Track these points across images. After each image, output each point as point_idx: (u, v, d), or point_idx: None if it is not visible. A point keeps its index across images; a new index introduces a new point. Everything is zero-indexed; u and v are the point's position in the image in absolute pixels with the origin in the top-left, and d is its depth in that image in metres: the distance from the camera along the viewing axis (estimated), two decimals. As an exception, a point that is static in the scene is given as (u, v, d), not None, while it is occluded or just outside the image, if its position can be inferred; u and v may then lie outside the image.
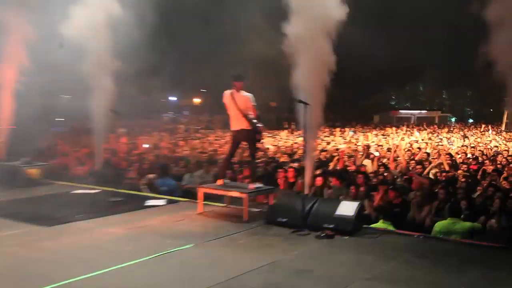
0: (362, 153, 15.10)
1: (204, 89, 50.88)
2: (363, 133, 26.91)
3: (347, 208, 7.44)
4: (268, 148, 17.79)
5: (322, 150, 15.73)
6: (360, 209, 7.56)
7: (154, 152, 15.56)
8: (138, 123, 27.00)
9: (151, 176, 11.39)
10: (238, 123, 8.33)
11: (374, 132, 28.77)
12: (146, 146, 16.77)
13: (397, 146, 15.60)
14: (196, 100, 56.09)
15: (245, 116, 8.21)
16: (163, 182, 11.05)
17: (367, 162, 13.74)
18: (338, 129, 27.25)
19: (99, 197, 9.94)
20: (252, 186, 8.45)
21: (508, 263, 6.13)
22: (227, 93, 8.35)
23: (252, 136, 8.39)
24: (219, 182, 8.63)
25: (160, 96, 43.10)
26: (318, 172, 10.67)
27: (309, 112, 7.82)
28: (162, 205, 9.26)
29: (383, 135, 26.01)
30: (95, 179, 11.11)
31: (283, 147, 18.48)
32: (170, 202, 9.55)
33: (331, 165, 13.07)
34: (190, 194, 10.07)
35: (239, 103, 8.23)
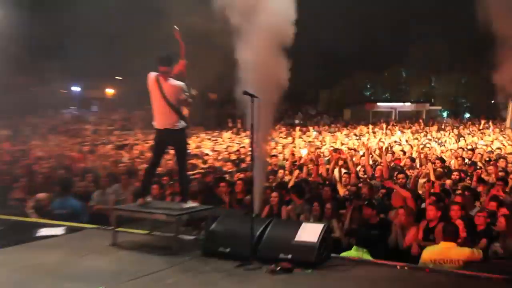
0: (329, 159, 15.26)
1: (120, 77, 50.14)
2: (330, 133, 27.22)
3: (310, 232, 7.45)
4: (206, 154, 17.72)
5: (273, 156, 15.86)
6: (326, 233, 7.57)
7: (50, 162, 15.21)
8: (27, 122, 26.43)
9: (42, 195, 11.12)
10: (164, 120, 8.28)
11: (345, 131, 29.12)
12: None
13: (368, 148, 15.88)
14: (109, 91, 55.17)
15: (175, 110, 8.17)
16: (62, 204, 10.88)
17: (336, 171, 13.94)
18: (297, 128, 27.45)
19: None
20: (184, 205, 8.34)
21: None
22: (152, 76, 8.30)
23: (182, 138, 8.40)
24: (140, 201, 8.53)
25: (59, 86, 42.18)
26: (272, 185, 10.67)
27: (259, 106, 7.76)
28: (61, 235, 9.08)
29: (356, 135, 26.35)
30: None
31: (226, 152, 18.45)
32: (72, 230, 9.38)
33: (290, 178, 13.09)
34: (101, 219, 9.98)
35: (167, 93, 8.18)
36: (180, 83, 8.26)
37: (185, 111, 8.32)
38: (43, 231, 9.12)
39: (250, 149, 7.56)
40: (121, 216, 8.51)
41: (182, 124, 8.28)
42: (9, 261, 7.57)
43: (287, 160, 15.99)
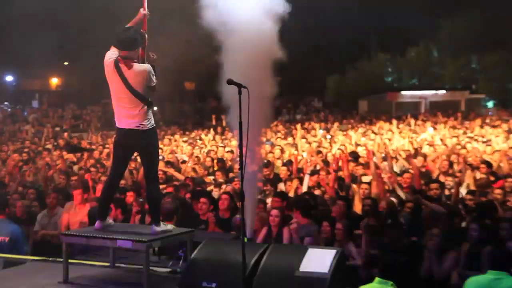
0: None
1: (68, 62, 49.69)
2: (342, 132, 27.24)
3: (318, 260, 7.48)
4: (183, 162, 17.75)
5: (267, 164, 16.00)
6: (340, 261, 7.61)
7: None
8: None
9: None
10: (127, 117, 8.34)
11: (361, 128, 29.06)
12: None
13: (390, 151, 16.00)
14: (54, 81, 54.78)
15: (143, 104, 8.24)
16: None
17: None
18: (298, 125, 27.51)
19: None
20: (156, 229, 8.39)
21: None
22: (110, 57, 8.34)
23: (152, 141, 8.45)
24: (98, 224, 8.57)
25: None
26: (269, 199, 10.71)
27: (249, 99, 7.80)
28: None
29: (375, 133, 26.25)
30: None
31: (207, 158, 18.45)
32: (9, 263, 9.40)
33: (289, 188, 13.14)
34: (48, 248, 10.20)
35: (132, 82, 8.21)
36: (146, 66, 8.30)
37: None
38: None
39: (238, 154, 7.56)
40: (74, 244, 8.60)
41: (151, 123, 8.35)
42: None
43: (288, 167, 16.04)
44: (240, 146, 7.51)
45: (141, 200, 11.68)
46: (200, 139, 25.90)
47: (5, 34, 34.04)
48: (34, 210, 12.13)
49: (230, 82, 7.68)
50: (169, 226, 8.69)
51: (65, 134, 26.19)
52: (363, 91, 56.14)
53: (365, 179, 13.91)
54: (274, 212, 10.52)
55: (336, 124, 32.00)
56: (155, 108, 36.17)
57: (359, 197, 12.49)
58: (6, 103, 41.38)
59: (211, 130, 28.50)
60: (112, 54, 8.31)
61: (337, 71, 58.54)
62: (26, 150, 21.57)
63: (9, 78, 51.80)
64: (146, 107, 8.28)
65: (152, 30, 8.72)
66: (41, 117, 34.17)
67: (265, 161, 16.22)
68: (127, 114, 8.31)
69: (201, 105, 40.46)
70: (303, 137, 24.06)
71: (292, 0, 9.17)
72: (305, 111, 41.43)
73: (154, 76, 8.31)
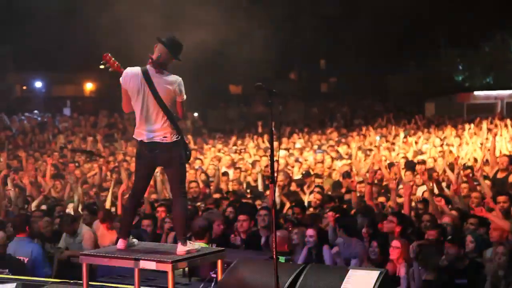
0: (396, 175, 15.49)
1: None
2: (404, 136, 27.15)
3: (361, 283, 7.54)
4: (224, 174, 17.81)
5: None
6: (385, 283, 7.64)
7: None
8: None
9: None
10: (153, 130, 8.39)
11: (424, 135, 28.70)
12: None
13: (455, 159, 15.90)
14: (89, 87, 54.85)
15: (169, 118, 8.30)
16: (18, 248, 11.09)
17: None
18: (354, 133, 27.40)
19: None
20: (181, 248, 8.41)
21: None
22: (134, 73, 8.43)
23: (178, 156, 8.45)
24: (120, 244, 8.62)
25: (14, 80, 42.53)
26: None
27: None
28: None
29: (440, 139, 26.04)
30: None
31: (252, 170, 18.45)
32: (26, 287, 9.41)
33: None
34: (71, 269, 10.35)
35: (161, 93, 8.28)
36: (177, 79, 8.37)
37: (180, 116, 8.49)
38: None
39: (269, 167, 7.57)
40: (95, 267, 8.81)
41: (176, 135, 8.41)
42: None
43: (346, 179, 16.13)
44: (271, 157, 7.51)
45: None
46: (245, 148, 25.76)
47: (35, 36, 34.28)
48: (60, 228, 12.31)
49: (259, 87, 7.71)
50: (197, 245, 8.68)
51: (99, 145, 26.28)
52: (429, 92, 55.85)
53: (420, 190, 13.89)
54: (309, 232, 10.64)
55: (396, 129, 31.61)
56: (195, 114, 36.54)
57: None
58: (35, 111, 41.50)
59: (254, 138, 28.44)
60: (137, 68, 8.42)
61: (400, 70, 58.09)
62: (56, 161, 21.72)
63: (38, 84, 51.55)
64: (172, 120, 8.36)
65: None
66: (73, 126, 34.27)
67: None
68: (151, 127, 8.39)
69: (247, 110, 40.33)
70: (359, 146, 23.89)
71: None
72: (363, 115, 40.81)
73: (184, 96, 8.39)
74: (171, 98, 8.34)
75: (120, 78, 8.47)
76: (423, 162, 18.35)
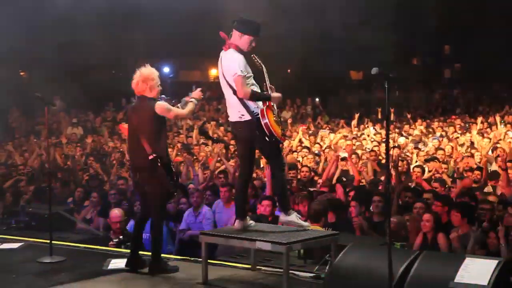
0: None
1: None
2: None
3: (477, 272, 6.54)
4: (343, 159, 16.58)
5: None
6: (503, 273, 6.59)
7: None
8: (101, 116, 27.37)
9: (116, 213, 10.96)
10: (230, 111, 7.87)
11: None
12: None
13: None
14: (213, 73, 53.18)
15: (236, 97, 7.56)
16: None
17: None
18: (479, 119, 25.17)
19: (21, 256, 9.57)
20: (284, 218, 7.96)
21: None
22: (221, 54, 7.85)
23: (259, 133, 7.56)
24: (237, 224, 7.98)
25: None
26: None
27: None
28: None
29: None
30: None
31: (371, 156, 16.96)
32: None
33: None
34: (192, 247, 10.26)
35: (225, 72, 7.67)
36: (238, 57, 7.55)
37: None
38: (115, 263, 8.76)
39: (385, 150, 6.40)
40: (213, 245, 8.58)
41: (253, 112, 7.58)
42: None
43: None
44: (387, 141, 6.49)
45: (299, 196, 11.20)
46: (361, 135, 24.30)
47: (164, 23, 33.97)
48: (183, 207, 11.85)
49: (376, 72, 6.47)
50: (306, 224, 8.11)
51: (221, 128, 25.35)
52: None
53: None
54: (425, 216, 9.64)
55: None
56: (317, 99, 35.44)
57: None
58: (163, 96, 41.74)
59: (370, 124, 26.20)
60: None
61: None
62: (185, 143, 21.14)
63: (166, 70, 48.91)
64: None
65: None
66: (198, 110, 33.61)
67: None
68: (229, 107, 7.81)
69: (367, 96, 38.64)
70: (481, 133, 21.49)
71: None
72: (488, 102, 37.61)
73: (242, 73, 7.49)
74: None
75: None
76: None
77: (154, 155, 7.87)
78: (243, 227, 7.83)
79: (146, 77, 8.23)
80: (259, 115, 7.46)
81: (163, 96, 8.54)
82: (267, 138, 7.47)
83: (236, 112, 7.61)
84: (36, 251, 9.53)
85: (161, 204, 8.29)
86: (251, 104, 7.48)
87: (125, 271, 8.35)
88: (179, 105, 8.55)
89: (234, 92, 7.52)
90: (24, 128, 26.46)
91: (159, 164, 7.97)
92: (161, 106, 8.11)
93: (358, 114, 25.83)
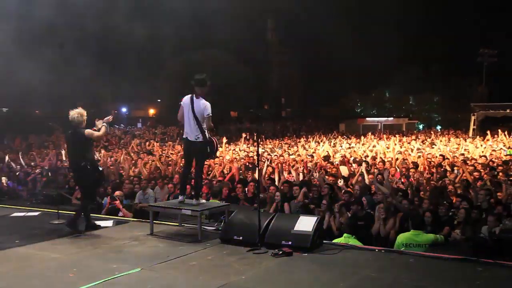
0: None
1: (159, 99, 53.97)
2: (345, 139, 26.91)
3: (305, 224, 7.58)
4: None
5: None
6: (319, 224, 7.74)
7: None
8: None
9: (119, 193, 11.74)
10: (190, 134, 8.42)
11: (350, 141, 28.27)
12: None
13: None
14: (151, 111, 59.28)
15: (199, 125, 8.27)
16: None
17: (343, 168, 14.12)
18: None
19: (39, 220, 10.05)
20: (194, 202, 8.61)
21: (470, 275, 6.36)
22: (187, 97, 8.45)
23: (202, 149, 8.45)
24: (180, 198, 8.80)
25: (111, 107, 42.79)
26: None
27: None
28: (110, 227, 9.41)
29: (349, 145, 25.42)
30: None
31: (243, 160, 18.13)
32: (119, 222, 9.78)
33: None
34: (143, 214, 10.41)
35: (196, 110, 8.24)
36: (206, 103, 8.28)
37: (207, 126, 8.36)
38: (100, 223, 9.42)
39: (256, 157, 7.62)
40: (157, 212, 8.93)
41: (201, 137, 8.34)
42: (68, 247, 7.94)
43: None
44: (257, 152, 7.58)
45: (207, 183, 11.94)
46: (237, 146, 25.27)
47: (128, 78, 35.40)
48: (136, 191, 12.49)
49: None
50: (203, 201, 8.93)
51: (157, 144, 26.11)
52: (342, 117, 55.33)
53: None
54: (278, 194, 10.61)
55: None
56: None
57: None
58: (121, 125, 43.59)
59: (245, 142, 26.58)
60: (189, 95, 8.40)
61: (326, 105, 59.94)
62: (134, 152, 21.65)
63: (124, 109, 56.50)
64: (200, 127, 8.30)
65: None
66: (142, 133, 34.87)
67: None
68: (190, 130, 8.38)
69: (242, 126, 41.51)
70: (303, 147, 22.25)
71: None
72: (306, 129, 40.30)
73: (209, 114, 8.25)
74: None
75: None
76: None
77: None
78: (181, 200, 8.67)
79: (82, 113, 8.75)
80: (212, 138, 8.35)
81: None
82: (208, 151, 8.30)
83: (195, 135, 8.29)
84: (48, 217, 10.13)
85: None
86: (206, 131, 8.28)
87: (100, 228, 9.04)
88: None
89: (199, 123, 8.19)
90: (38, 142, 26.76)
91: (88, 167, 8.59)
92: (88, 132, 8.62)
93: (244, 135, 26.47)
